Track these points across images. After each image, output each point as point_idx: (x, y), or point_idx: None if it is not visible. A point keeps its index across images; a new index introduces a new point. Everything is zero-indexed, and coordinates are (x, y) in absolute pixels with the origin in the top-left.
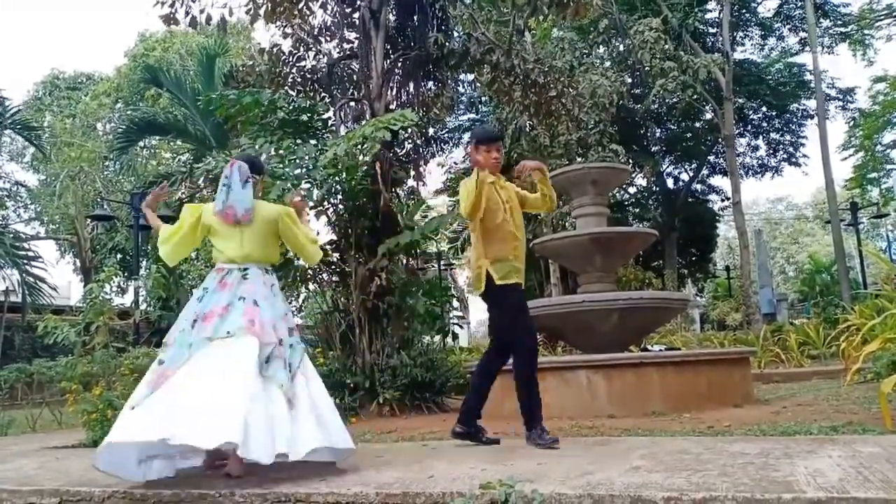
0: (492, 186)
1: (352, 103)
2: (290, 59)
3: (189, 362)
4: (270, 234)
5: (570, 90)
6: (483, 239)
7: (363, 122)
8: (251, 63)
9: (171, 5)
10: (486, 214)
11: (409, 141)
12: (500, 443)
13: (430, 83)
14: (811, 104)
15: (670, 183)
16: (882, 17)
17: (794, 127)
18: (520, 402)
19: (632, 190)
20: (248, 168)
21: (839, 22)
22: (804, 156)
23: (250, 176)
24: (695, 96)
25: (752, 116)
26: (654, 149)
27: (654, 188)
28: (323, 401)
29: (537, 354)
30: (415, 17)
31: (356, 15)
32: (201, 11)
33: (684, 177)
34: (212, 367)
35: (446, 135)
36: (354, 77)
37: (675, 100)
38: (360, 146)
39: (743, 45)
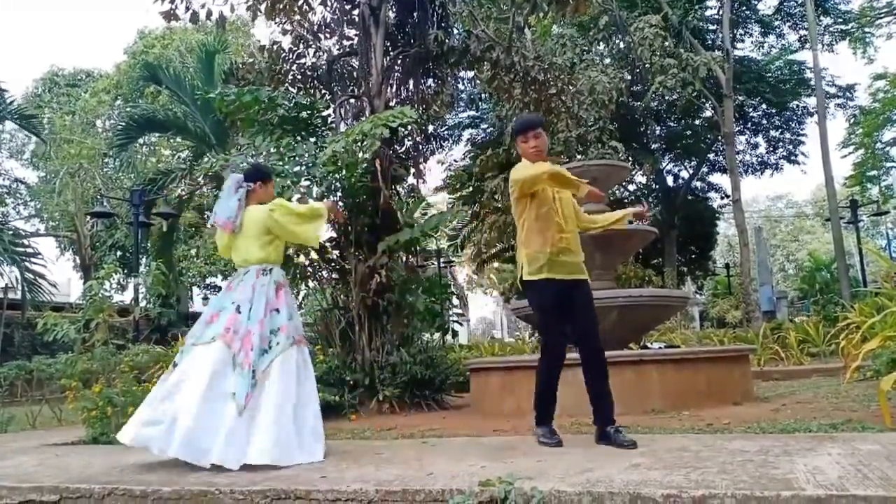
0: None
1: (351, 100)
2: (290, 56)
3: (179, 366)
4: (263, 235)
5: (570, 87)
6: (525, 228)
7: (362, 119)
8: (251, 60)
9: (172, 1)
10: (532, 202)
11: (409, 138)
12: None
13: (430, 80)
14: (811, 102)
15: (670, 180)
16: (883, 15)
17: (793, 125)
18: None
19: (631, 187)
20: (243, 177)
21: (839, 20)
22: (803, 154)
23: (242, 185)
24: (694, 93)
25: (751, 114)
26: (653, 146)
27: (653, 186)
28: (283, 408)
29: (555, 358)
30: (415, 14)
31: (356, 12)
32: (202, 6)
33: (684, 174)
34: (187, 371)
35: (446, 132)
36: (354, 74)
37: (674, 97)
38: (359, 143)
39: (743, 41)
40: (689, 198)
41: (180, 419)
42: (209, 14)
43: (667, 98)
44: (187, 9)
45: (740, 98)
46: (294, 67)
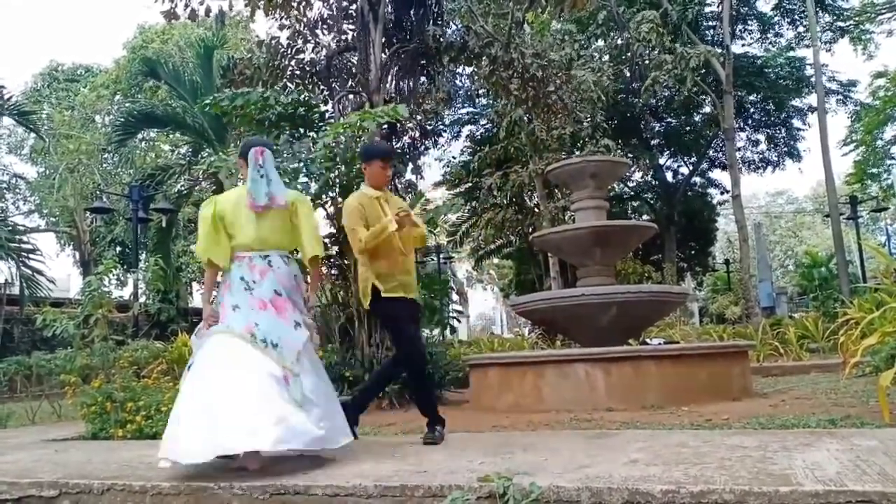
0: (376, 202)
1: (350, 96)
2: (289, 51)
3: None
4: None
5: (568, 85)
6: (370, 255)
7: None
8: (249, 56)
9: (172, 0)
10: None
11: (407, 134)
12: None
13: (429, 76)
14: (811, 99)
15: (669, 176)
16: (883, 11)
17: (793, 122)
18: None
19: (631, 184)
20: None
21: (839, 17)
22: (803, 150)
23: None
24: (694, 90)
25: (752, 111)
26: (653, 142)
27: (652, 182)
28: None
29: (412, 363)
30: (411, 11)
31: (353, 7)
32: (201, 3)
33: (684, 170)
34: None
35: (445, 128)
36: (353, 70)
37: (668, 93)
38: (357, 138)
39: (743, 38)
40: (689, 194)
41: None
42: (208, 11)
43: (665, 94)
44: (186, 6)
45: (740, 94)
46: (293, 63)
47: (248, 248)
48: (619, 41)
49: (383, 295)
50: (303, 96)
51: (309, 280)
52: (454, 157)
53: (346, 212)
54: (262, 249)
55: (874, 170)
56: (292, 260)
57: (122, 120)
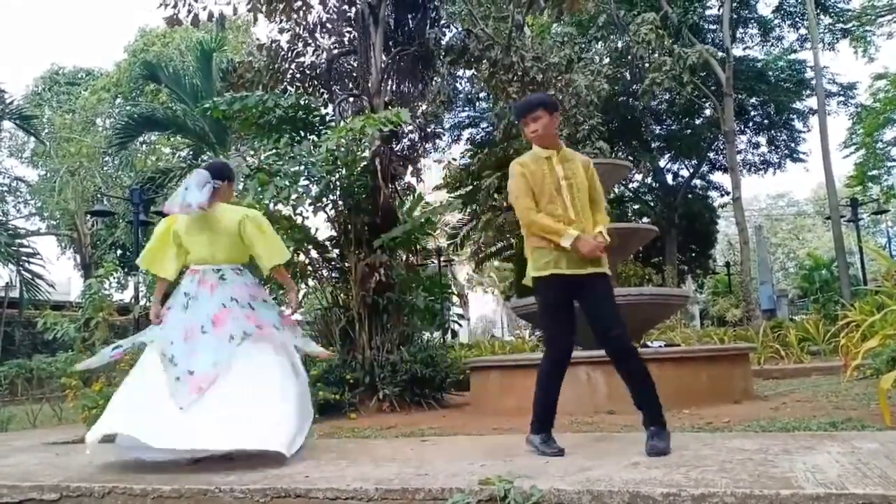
0: (544, 163)
1: (350, 99)
2: (289, 55)
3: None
4: (236, 236)
5: (569, 88)
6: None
7: (358, 117)
8: (249, 59)
9: (174, 6)
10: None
11: (408, 137)
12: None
13: (429, 79)
14: (811, 102)
15: (670, 179)
16: (883, 13)
17: (794, 124)
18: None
19: (632, 186)
20: (209, 174)
21: (840, 19)
22: (804, 152)
23: (210, 181)
24: (694, 92)
25: (752, 113)
26: (653, 145)
27: (653, 184)
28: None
29: (547, 356)
30: (408, 15)
31: (353, 10)
32: (204, 8)
33: (684, 173)
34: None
35: (446, 131)
36: (353, 73)
37: (669, 95)
38: (357, 141)
39: (744, 41)
40: (690, 196)
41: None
42: (211, 16)
43: (665, 97)
44: (189, 11)
45: (741, 97)
46: (293, 66)
47: (203, 262)
48: (620, 44)
49: (532, 274)
50: (303, 100)
51: (284, 286)
52: (454, 160)
53: (510, 185)
54: (214, 263)
55: (874, 172)
56: (245, 272)
57: (123, 123)
